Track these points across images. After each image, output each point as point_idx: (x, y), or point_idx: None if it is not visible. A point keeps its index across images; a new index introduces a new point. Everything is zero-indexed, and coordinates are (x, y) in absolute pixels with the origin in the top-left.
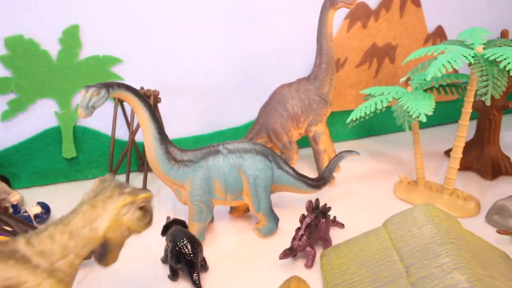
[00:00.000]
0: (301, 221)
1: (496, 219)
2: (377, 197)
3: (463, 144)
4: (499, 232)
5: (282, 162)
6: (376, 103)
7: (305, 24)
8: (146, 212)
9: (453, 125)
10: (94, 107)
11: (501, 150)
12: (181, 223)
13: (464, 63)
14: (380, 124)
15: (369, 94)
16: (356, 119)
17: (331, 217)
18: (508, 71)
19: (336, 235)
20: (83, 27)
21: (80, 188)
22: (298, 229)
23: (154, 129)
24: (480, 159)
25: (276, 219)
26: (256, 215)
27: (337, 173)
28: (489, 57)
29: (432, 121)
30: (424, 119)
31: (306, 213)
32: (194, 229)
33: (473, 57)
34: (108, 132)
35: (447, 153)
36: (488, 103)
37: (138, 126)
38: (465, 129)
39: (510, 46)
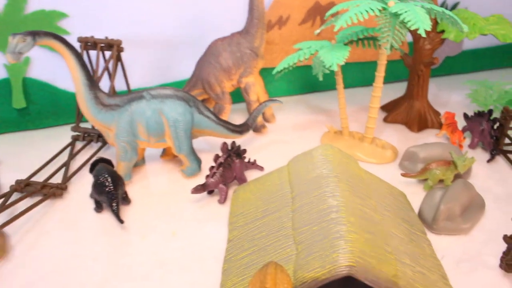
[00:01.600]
0: (215, 160)
1: (406, 164)
2: (303, 145)
3: (380, 94)
4: (402, 175)
5: (203, 108)
6: (299, 55)
7: None
8: None
9: (393, 84)
10: (20, 53)
11: (429, 104)
12: (107, 161)
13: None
14: (325, 81)
15: (300, 48)
16: (281, 70)
17: (252, 160)
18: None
19: (255, 176)
20: None
21: (30, 137)
22: (212, 167)
23: (83, 76)
24: (409, 113)
25: (198, 161)
26: (179, 156)
27: (272, 123)
28: (393, 10)
29: (368, 81)
30: (335, 68)
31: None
32: (120, 168)
33: (379, 10)
34: (57, 83)
35: (383, 108)
36: (388, 52)
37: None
38: (381, 80)
39: (420, 2)
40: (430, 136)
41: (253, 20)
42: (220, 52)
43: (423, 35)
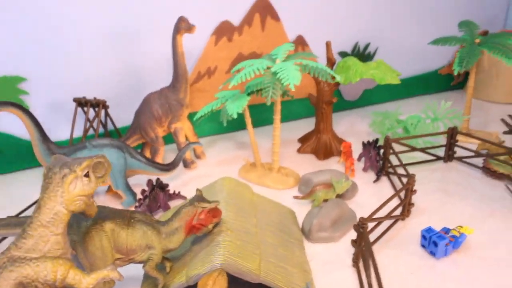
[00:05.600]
0: (142, 193)
1: (303, 189)
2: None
3: (279, 133)
4: (294, 197)
5: (135, 153)
6: (213, 105)
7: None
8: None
9: (305, 119)
10: None
11: (334, 135)
12: None
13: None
14: (255, 118)
15: (218, 98)
16: (200, 117)
17: (177, 192)
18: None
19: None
20: None
21: None
22: (139, 199)
23: (37, 132)
24: (317, 144)
25: (133, 194)
26: (117, 191)
27: (202, 160)
28: (273, 70)
29: (293, 116)
30: (235, 116)
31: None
32: None
33: (264, 70)
34: (20, 135)
35: (299, 140)
36: (268, 103)
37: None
38: (278, 121)
39: (301, 60)
40: (333, 163)
41: (177, 76)
42: (152, 104)
43: (293, 89)
